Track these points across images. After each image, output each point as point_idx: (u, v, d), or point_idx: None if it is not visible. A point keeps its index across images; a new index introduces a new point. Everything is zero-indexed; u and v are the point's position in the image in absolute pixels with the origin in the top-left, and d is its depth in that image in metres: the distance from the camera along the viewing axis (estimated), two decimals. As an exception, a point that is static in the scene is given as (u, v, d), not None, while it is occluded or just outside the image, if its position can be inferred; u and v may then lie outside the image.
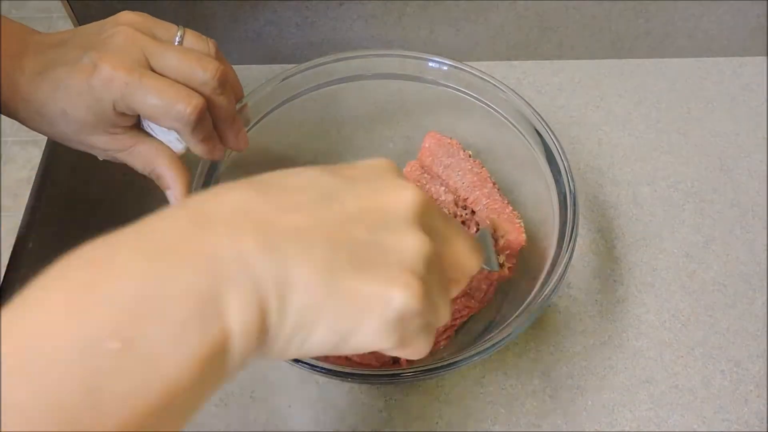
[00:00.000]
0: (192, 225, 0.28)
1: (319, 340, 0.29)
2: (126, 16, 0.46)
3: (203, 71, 0.44)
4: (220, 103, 0.46)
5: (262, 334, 0.28)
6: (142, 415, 0.25)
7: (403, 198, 0.31)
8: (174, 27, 0.47)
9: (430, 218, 0.32)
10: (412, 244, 0.30)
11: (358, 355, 0.52)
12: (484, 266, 0.49)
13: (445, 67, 0.59)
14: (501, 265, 0.54)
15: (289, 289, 0.28)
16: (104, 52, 0.43)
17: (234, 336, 0.27)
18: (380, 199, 0.31)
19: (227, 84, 0.46)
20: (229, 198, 0.29)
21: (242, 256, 0.27)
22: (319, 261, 0.28)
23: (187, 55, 0.44)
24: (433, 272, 0.31)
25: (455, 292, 0.36)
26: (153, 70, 0.44)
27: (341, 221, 0.30)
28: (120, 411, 0.24)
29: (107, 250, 0.27)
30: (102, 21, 0.46)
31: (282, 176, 0.32)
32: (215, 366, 0.27)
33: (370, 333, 0.29)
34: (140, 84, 0.43)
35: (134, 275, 0.26)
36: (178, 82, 0.44)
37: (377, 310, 0.29)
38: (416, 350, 0.32)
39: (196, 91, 0.44)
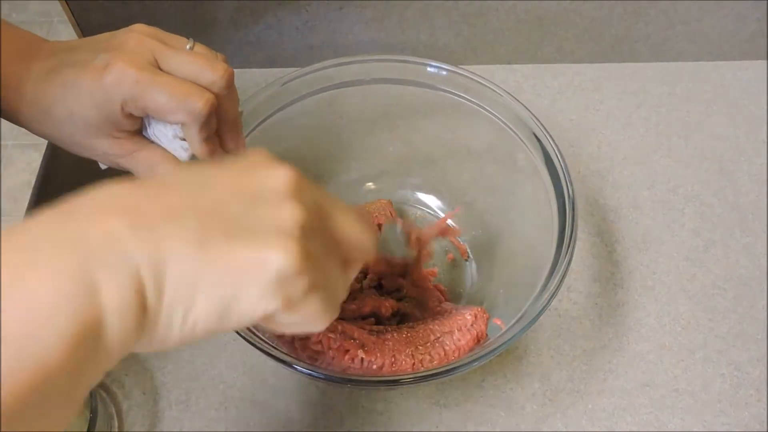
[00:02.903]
0: (57, 216, 0.28)
1: (202, 313, 0.29)
2: (138, 26, 0.47)
3: (212, 71, 0.45)
4: (226, 104, 0.47)
5: (141, 311, 0.28)
6: (17, 396, 0.25)
7: (277, 175, 0.32)
8: (184, 39, 0.47)
9: (309, 194, 0.33)
10: (287, 213, 0.31)
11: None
12: (392, 253, 0.52)
13: (444, 72, 0.59)
14: (416, 259, 0.54)
15: (163, 263, 0.28)
16: (116, 52, 0.44)
17: (108, 314, 0.27)
18: (254, 179, 0.32)
19: (233, 86, 0.47)
20: (100, 191, 0.29)
21: (111, 236, 0.27)
22: (192, 233, 0.29)
23: (196, 57, 0.45)
24: (315, 239, 0.32)
25: (355, 268, 0.37)
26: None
27: (215, 200, 0.30)
28: None
29: None
30: (114, 31, 0.47)
31: (162, 174, 0.32)
32: (90, 346, 0.27)
33: (251, 298, 0.30)
34: (151, 81, 0.43)
35: None
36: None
37: (255, 274, 0.29)
38: (312, 315, 0.33)
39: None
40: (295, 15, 0.72)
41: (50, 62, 0.46)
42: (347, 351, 0.49)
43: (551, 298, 0.48)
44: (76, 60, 0.45)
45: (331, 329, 0.50)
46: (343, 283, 0.35)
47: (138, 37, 0.45)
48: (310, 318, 0.33)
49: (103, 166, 0.51)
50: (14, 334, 0.25)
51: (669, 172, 0.70)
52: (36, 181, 0.68)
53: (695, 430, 0.56)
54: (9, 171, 1.70)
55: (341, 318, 0.53)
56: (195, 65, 0.45)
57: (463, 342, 0.52)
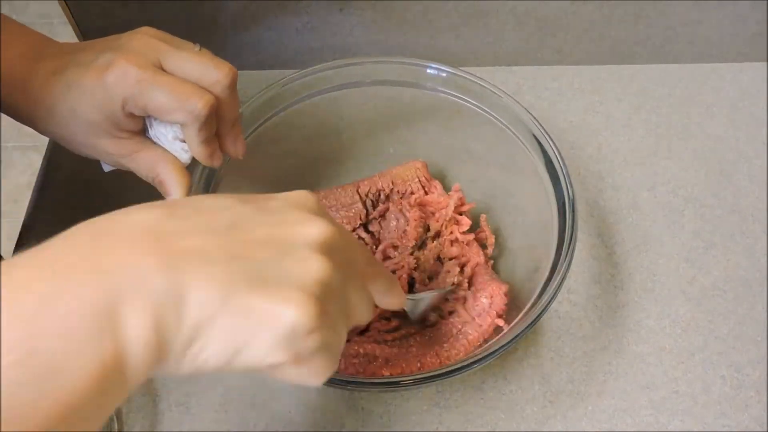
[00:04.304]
0: (92, 241, 0.29)
1: (214, 355, 0.30)
2: (145, 28, 0.47)
3: (217, 70, 0.45)
4: (228, 105, 0.47)
5: (160, 346, 0.29)
6: (42, 427, 0.25)
7: (311, 229, 0.33)
8: (190, 43, 0.47)
9: (341, 253, 0.34)
10: (312, 268, 0.32)
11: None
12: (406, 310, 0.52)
13: (444, 74, 0.59)
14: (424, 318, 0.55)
15: (185, 305, 0.29)
16: (119, 52, 0.45)
17: (131, 349, 0.28)
18: (288, 230, 0.32)
19: (235, 87, 0.47)
20: (135, 217, 0.30)
21: (140, 273, 0.28)
22: (217, 278, 0.29)
23: (200, 56, 0.45)
24: (334, 299, 0.33)
25: (353, 326, 0.38)
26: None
27: (244, 244, 0.31)
28: (20, 421, 0.25)
29: (6, 267, 0.27)
30: (121, 33, 0.47)
31: (197, 200, 0.33)
32: (114, 378, 0.28)
33: (261, 348, 0.30)
34: (152, 80, 0.44)
35: (32, 290, 0.27)
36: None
37: (269, 326, 0.30)
38: (315, 371, 0.33)
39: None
40: (295, 17, 0.72)
41: (56, 62, 0.46)
42: (373, 373, 0.50)
43: (551, 299, 0.48)
44: (80, 60, 0.46)
45: (353, 354, 0.51)
46: (343, 339, 0.35)
47: (143, 38, 0.46)
48: (313, 374, 0.33)
49: (106, 168, 0.51)
50: (44, 363, 0.26)
51: (669, 173, 0.70)
52: (36, 183, 0.68)
53: (695, 431, 0.56)
54: (9, 172, 1.70)
55: (362, 331, 0.54)
56: (199, 64, 0.45)
57: (485, 326, 0.53)
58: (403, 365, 0.51)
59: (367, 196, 0.61)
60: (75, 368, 0.26)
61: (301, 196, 0.35)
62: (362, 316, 0.37)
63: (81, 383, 0.26)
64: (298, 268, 0.31)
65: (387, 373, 0.51)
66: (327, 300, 0.32)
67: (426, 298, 0.54)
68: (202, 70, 0.45)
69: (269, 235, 0.32)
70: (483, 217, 0.61)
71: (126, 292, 0.28)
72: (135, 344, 0.28)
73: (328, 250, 0.33)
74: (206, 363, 0.30)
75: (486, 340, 0.52)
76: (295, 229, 0.33)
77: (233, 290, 0.29)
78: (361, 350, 0.52)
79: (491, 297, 0.53)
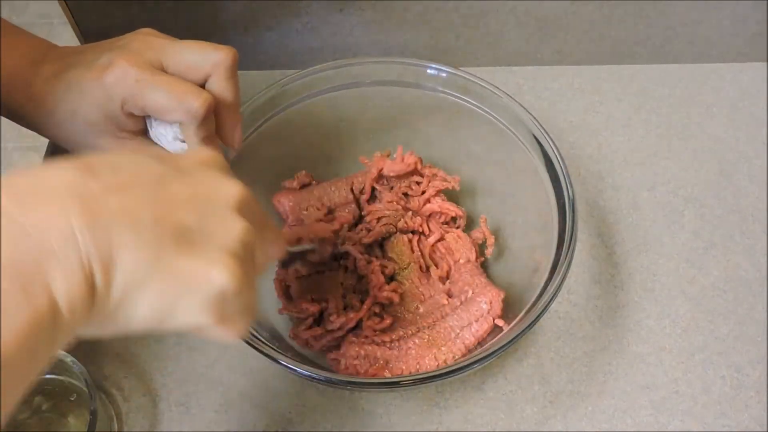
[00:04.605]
0: (12, 201, 0.28)
1: (143, 315, 0.31)
2: (145, 29, 0.48)
3: (216, 51, 0.45)
4: (229, 89, 0.47)
5: (89, 306, 0.29)
6: None
7: (228, 190, 0.34)
8: None
9: (250, 210, 0.35)
10: (236, 230, 0.33)
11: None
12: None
13: (444, 74, 0.59)
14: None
15: (114, 266, 0.29)
16: (119, 51, 0.45)
17: (61, 308, 0.28)
18: (206, 189, 0.34)
19: (236, 68, 0.47)
20: (55, 176, 0.29)
21: (67, 232, 0.28)
22: (145, 240, 0.30)
23: (199, 43, 0.46)
24: (251, 257, 0.34)
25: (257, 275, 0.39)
26: (166, 72, 0.45)
27: (168, 204, 0.31)
28: None
29: None
30: (123, 35, 0.48)
31: (113, 158, 0.32)
32: (43, 336, 0.27)
33: (190, 309, 0.31)
34: (151, 80, 0.44)
35: None
36: (189, 79, 0.45)
37: (198, 288, 0.31)
38: (236, 329, 0.35)
39: (206, 90, 0.46)
40: (295, 17, 0.72)
41: (57, 65, 0.47)
42: (374, 374, 0.51)
43: (551, 299, 0.48)
44: (81, 62, 0.46)
45: (354, 355, 0.52)
46: (255, 295, 0.37)
47: (144, 38, 0.46)
48: (234, 332, 0.35)
49: None
50: None
51: (669, 173, 0.70)
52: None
53: (695, 431, 0.56)
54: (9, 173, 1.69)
55: (364, 335, 0.54)
56: (198, 50, 0.45)
57: (482, 331, 0.53)
58: (403, 367, 0.51)
59: (361, 192, 0.61)
60: (2, 327, 0.26)
61: (209, 155, 0.37)
62: (263, 269, 0.38)
63: (9, 342, 0.26)
64: (222, 230, 0.33)
65: (387, 374, 0.51)
66: (247, 259, 0.33)
67: (301, 249, 0.56)
68: (203, 55, 0.45)
69: (190, 194, 0.33)
70: (483, 217, 0.61)
71: (53, 251, 0.27)
72: (65, 303, 0.28)
73: (244, 209, 0.34)
74: (137, 323, 0.31)
75: (482, 344, 0.52)
76: (212, 188, 0.34)
77: (162, 253, 0.30)
78: (362, 351, 0.52)
79: (490, 303, 0.53)
